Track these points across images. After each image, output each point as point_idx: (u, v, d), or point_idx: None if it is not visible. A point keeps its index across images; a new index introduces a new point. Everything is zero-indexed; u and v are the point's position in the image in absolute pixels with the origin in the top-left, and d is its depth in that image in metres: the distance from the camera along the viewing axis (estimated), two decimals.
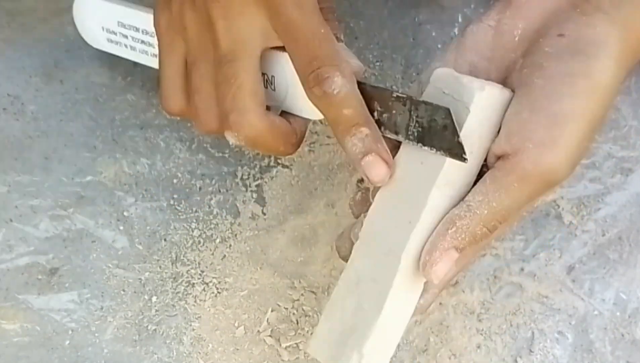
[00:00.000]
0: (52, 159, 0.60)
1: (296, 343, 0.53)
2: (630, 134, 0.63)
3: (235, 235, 0.58)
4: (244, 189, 0.60)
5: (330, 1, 0.50)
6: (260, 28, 0.47)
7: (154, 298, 0.55)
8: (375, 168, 0.46)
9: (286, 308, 0.55)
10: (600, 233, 0.59)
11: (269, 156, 0.61)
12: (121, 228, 0.58)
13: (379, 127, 0.47)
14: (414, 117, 0.46)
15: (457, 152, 0.44)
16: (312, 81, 0.45)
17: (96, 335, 0.54)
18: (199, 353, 0.53)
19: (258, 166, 0.61)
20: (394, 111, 0.46)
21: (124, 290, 0.55)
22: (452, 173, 0.45)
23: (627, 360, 0.54)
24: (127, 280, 0.56)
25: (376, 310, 0.45)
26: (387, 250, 0.45)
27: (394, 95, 0.46)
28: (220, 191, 0.60)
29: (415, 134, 0.46)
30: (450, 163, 0.45)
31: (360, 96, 0.46)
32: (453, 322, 0.55)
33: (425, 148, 0.45)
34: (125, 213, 0.58)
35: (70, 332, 0.54)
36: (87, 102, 0.63)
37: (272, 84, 0.50)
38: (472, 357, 0.54)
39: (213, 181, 0.60)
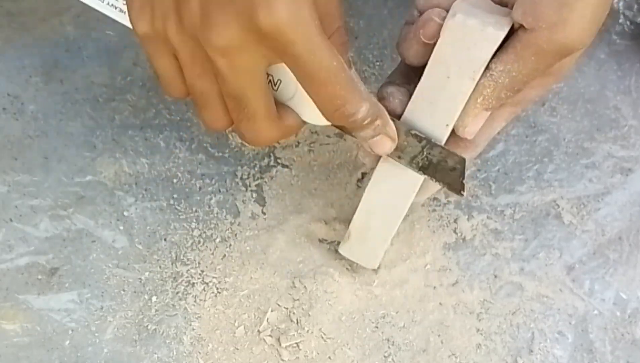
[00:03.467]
0: (52, 159, 0.60)
1: (296, 343, 0.53)
2: (630, 134, 0.63)
3: (235, 235, 0.58)
4: (244, 189, 0.60)
5: (341, 18, 0.47)
6: (266, 61, 0.45)
7: (154, 298, 0.55)
8: (381, 145, 0.49)
9: (286, 308, 0.55)
10: (600, 233, 0.59)
11: (269, 156, 0.61)
12: (121, 228, 0.58)
13: None
14: (425, 153, 0.49)
15: (457, 188, 0.50)
16: (338, 119, 0.46)
17: (96, 335, 0.54)
18: (199, 353, 0.53)
19: (258, 166, 0.61)
20: (405, 143, 0.49)
21: (124, 290, 0.55)
22: None
23: (627, 360, 0.54)
24: (127, 279, 0.56)
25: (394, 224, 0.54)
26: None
27: (412, 132, 0.49)
28: (220, 191, 0.60)
29: (420, 165, 0.50)
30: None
31: (376, 101, 0.48)
32: (453, 322, 0.55)
33: (425, 176, 0.50)
34: (125, 213, 0.58)
35: (70, 332, 0.54)
36: (87, 102, 0.63)
37: (275, 85, 0.49)
38: (472, 357, 0.54)
39: (213, 181, 0.60)
